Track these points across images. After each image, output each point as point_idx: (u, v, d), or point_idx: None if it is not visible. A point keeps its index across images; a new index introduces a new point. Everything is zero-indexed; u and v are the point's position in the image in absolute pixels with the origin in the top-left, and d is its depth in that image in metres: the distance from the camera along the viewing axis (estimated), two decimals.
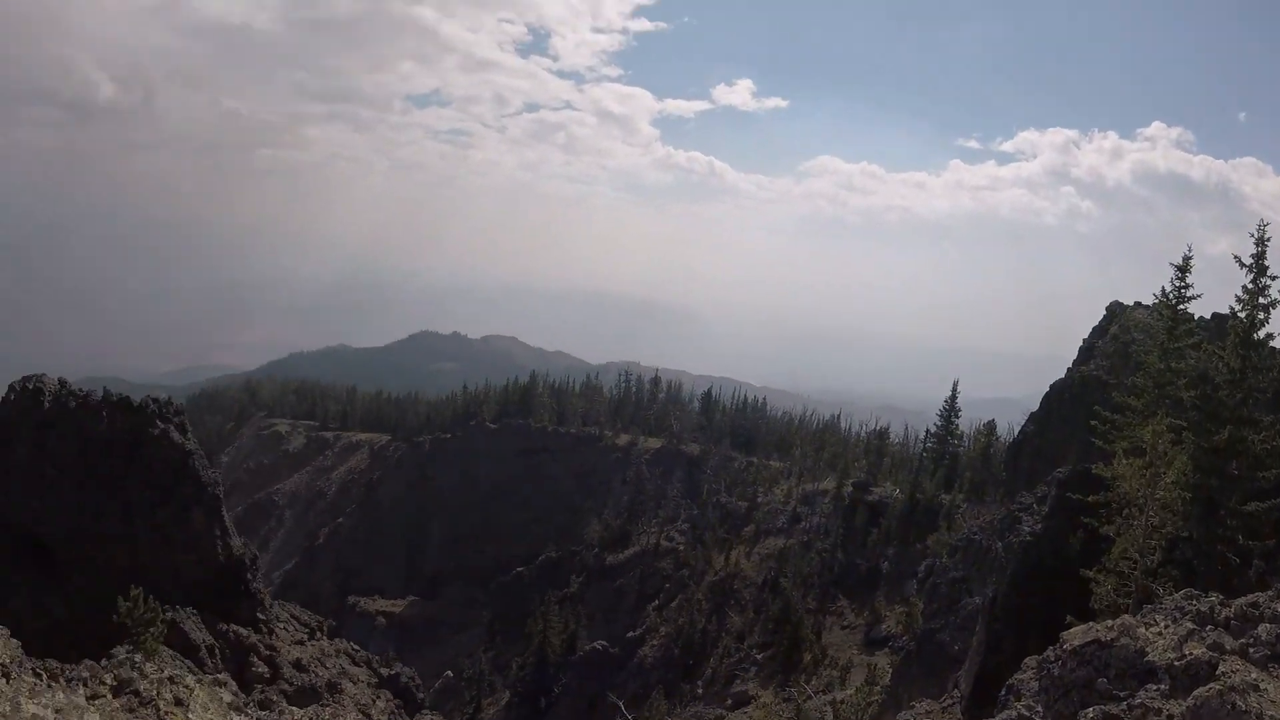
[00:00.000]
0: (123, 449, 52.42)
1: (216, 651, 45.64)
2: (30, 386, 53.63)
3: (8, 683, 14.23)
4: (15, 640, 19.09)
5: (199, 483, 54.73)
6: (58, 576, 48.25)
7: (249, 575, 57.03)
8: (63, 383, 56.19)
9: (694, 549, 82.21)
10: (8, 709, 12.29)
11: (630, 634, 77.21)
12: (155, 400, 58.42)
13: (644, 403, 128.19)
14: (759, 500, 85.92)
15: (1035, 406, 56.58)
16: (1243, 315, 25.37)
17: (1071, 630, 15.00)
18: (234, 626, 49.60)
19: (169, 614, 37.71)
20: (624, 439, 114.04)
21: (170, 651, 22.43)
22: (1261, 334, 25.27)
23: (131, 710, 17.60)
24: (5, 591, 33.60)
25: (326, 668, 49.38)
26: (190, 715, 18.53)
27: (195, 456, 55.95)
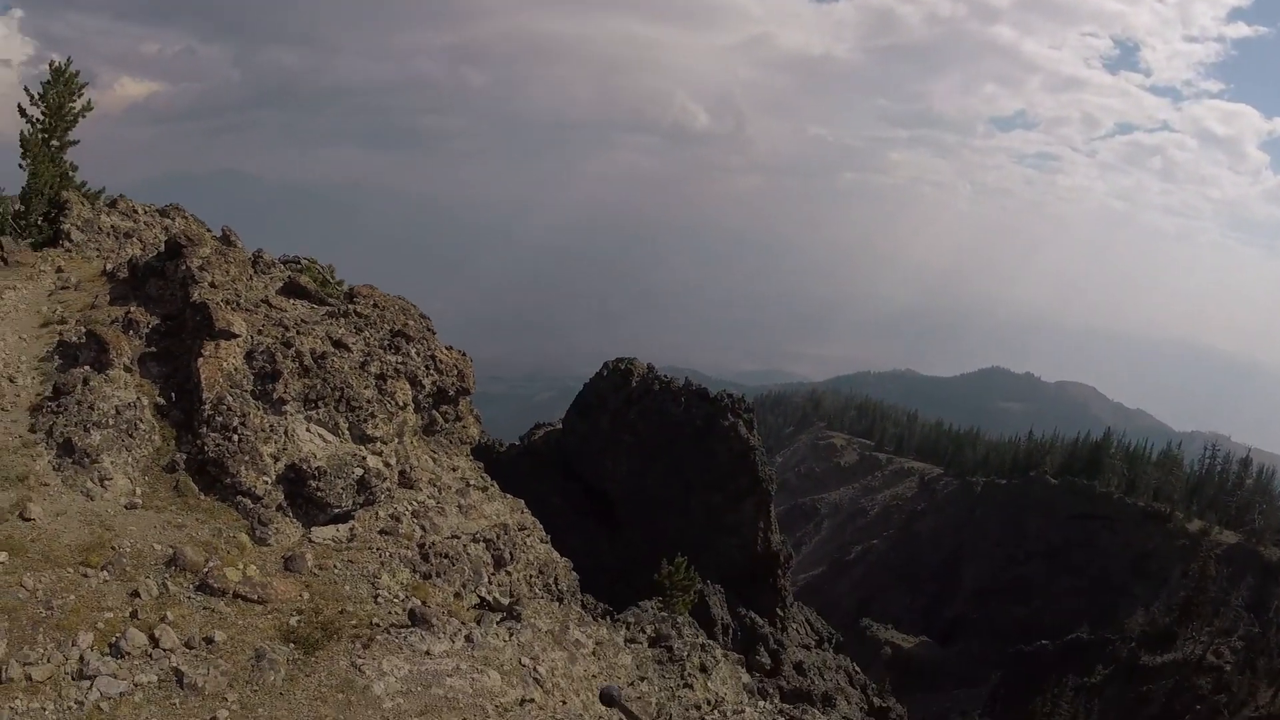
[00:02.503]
0: (693, 433, 60.04)
1: (731, 631, 50.17)
2: (622, 367, 64.04)
3: (559, 605, 17.55)
4: (575, 574, 23.21)
5: (755, 476, 60.54)
6: (611, 528, 57.13)
7: (780, 571, 61.64)
8: (650, 368, 65.85)
9: (1241, 673, 69.07)
10: (556, 628, 15.12)
11: None
12: (729, 395, 65.63)
13: (1228, 486, 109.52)
14: None
15: None
16: None
17: None
18: (752, 614, 54.06)
19: (700, 586, 42.22)
20: (1195, 525, 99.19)
21: (690, 620, 25.41)
22: None
23: (660, 663, 19.21)
24: (567, 530, 40.22)
25: (824, 679, 51.38)
26: (709, 684, 19.63)
27: (757, 452, 61.91)
